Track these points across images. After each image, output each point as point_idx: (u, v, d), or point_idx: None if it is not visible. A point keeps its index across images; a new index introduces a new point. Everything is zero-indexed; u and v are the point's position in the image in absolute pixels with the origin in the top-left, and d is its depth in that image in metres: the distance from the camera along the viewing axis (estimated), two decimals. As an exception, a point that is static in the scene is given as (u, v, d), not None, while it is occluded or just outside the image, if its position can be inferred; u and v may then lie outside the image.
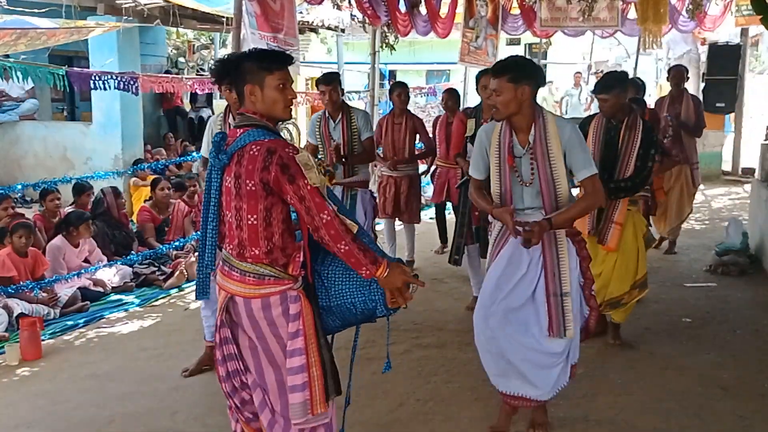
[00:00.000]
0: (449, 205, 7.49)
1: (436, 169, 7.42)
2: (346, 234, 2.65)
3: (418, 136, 7.15)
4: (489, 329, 3.52)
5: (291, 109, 2.85)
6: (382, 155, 7.09)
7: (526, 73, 3.37)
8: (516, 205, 3.47)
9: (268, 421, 2.86)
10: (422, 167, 8.22)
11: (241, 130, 2.74)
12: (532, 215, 3.46)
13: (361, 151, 5.82)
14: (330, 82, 5.71)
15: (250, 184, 2.66)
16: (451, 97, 7.17)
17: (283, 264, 2.75)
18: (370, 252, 2.69)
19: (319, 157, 5.75)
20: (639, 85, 6.91)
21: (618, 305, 4.84)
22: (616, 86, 4.57)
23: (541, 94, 18.21)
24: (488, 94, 3.39)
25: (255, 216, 2.70)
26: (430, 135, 7.23)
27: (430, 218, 8.62)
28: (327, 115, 5.83)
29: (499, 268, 3.53)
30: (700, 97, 11.96)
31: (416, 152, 7.27)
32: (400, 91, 7.10)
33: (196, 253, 4.01)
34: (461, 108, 7.22)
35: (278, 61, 2.79)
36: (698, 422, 3.88)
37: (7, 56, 8.70)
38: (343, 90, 5.94)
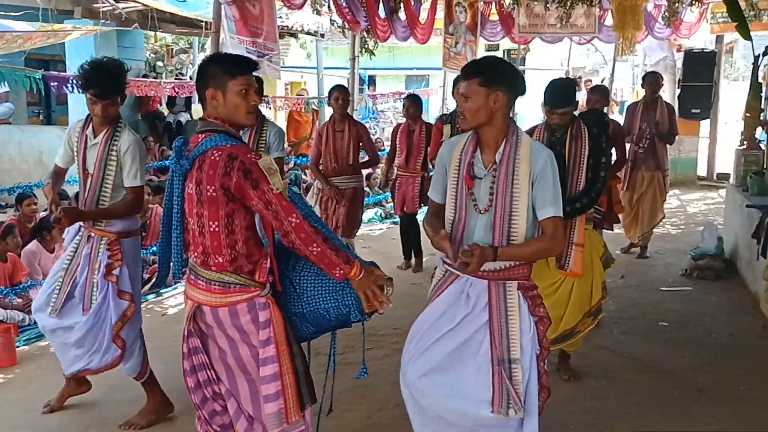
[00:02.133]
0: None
1: (396, 179, 7.11)
2: (316, 236, 2.61)
3: (361, 144, 6.57)
4: (407, 385, 2.97)
5: (253, 115, 2.80)
6: (321, 169, 6.52)
7: (501, 76, 2.82)
8: (469, 238, 2.86)
9: (244, 429, 2.82)
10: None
11: (203, 136, 2.69)
12: None
13: None
14: None
15: (210, 190, 2.61)
16: (413, 104, 6.96)
17: (249, 271, 2.70)
18: (342, 252, 2.66)
19: None
20: (608, 91, 7.05)
21: (571, 336, 4.38)
22: (573, 96, 4.25)
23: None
24: (460, 103, 2.95)
25: (216, 223, 2.65)
26: (390, 143, 6.95)
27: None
28: None
29: (433, 315, 2.97)
30: (676, 103, 12.16)
31: (360, 162, 6.64)
32: (337, 94, 6.47)
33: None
34: (438, 114, 7.16)
35: (242, 66, 2.74)
36: (676, 425, 3.92)
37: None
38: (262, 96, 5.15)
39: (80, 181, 3.95)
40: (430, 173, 6.98)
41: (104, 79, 3.75)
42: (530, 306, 2.90)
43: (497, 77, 2.82)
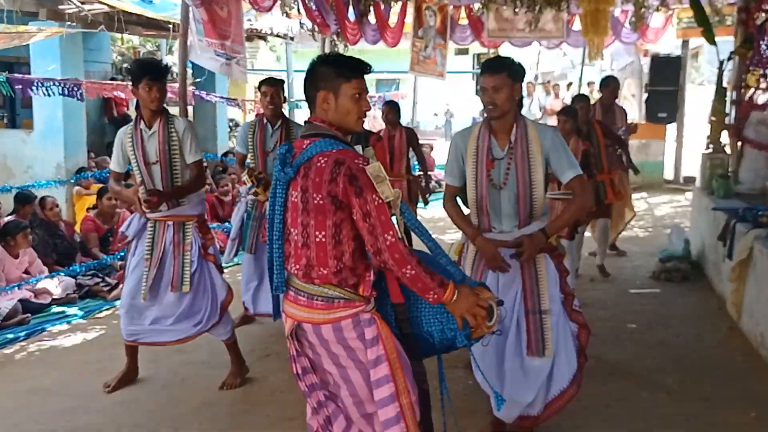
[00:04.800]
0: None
1: None
2: (411, 257, 2.45)
3: None
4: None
5: (363, 121, 2.67)
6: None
7: (520, 71, 3.37)
8: (492, 211, 3.42)
9: None
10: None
11: (308, 141, 2.56)
12: (506, 222, 3.41)
13: None
14: (274, 84, 5.45)
15: (317, 198, 2.48)
16: (392, 110, 7.08)
17: (353, 284, 2.54)
18: (437, 275, 2.49)
19: (248, 164, 5.52)
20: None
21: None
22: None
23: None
24: (487, 95, 3.28)
25: (323, 233, 2.50)
26: None
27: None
28: (265, 121, 5.46)
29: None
30: (644, 107, 12.34)
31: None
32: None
33: None
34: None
35: (357, 69, 2.61)
36: (644, 426, 3.95)
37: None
38: (285, 98, 5.41)
39: (144, 174, 4.29)
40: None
41: (154, 64, 4.31)
42: (556, 264, 3.48)
43: (518, 71, 3.35)
